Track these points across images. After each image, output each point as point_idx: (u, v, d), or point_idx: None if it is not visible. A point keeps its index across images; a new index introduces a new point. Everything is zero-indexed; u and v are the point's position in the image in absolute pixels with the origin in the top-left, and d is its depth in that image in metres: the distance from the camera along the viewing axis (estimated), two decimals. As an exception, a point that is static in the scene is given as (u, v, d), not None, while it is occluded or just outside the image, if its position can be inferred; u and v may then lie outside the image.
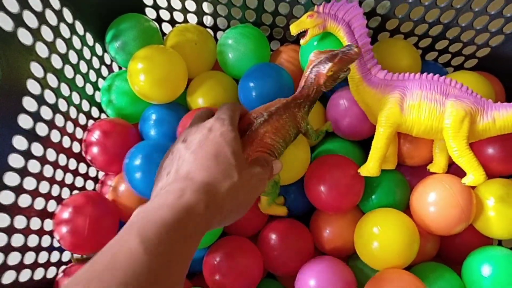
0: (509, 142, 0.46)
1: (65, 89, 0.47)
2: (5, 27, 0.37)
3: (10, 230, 0.39)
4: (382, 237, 0.43)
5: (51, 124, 0.44)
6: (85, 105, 0.52)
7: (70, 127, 0.48)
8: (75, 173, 0.50)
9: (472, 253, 0.46)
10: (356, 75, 0.45)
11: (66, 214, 0.44)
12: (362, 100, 0.46)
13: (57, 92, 0.45)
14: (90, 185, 0.53)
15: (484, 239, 0.48)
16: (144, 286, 0.22)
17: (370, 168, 0.44)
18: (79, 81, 0.50)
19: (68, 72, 0.47)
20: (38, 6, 0.42)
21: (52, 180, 0.45)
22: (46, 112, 0.43)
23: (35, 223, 0.43)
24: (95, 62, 0.53)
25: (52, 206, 0.45)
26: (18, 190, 0.40)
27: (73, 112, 0.49)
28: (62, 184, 0.47)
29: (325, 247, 0.49)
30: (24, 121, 0.40)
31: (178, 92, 0.50)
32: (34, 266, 0.42)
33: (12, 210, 0.40)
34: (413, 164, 0.50)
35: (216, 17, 0.56)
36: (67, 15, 0.47)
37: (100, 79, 0.55)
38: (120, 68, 0.58)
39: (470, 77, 0.48)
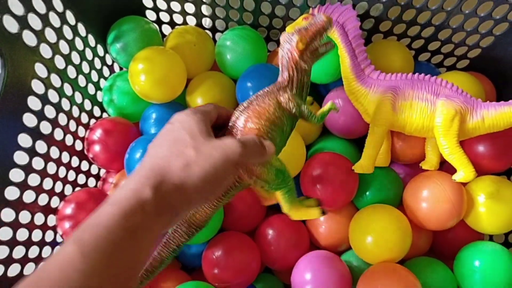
0: (499, 141, 0.47)
1: (68, 89, 0.48)
2: (10, 29, 0.39)
3: (15, 225, 0.41)
4: (376, 232, 0.44)
5: (54, 123, 0.46)
6: (87, 105, 0.53)
7: (72, 125, 0.49)
8: (78, 170, 0.51)
9: (464, 248, 0.47)
10: (350, 75, 0.46)
11: (68, 210, 0.45)
12: (356, 99, 0.47)
13: (60, 91, 0.46)
14: (92, 182, 0.55)
15: (475, 235, 0.49)
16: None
17: (364, 165, 0.46)
18: (82, 81, 0.51)
19: (71, 72, 0.49)
20: (42, 9, 0.43)
21: (55, 177, 0.46)
22: (49, 111, 0.45)
23: (39, 219, 0.44)
24: (97, 63, 0.55)
25: (55, 202, 0.47)
26: (23, 186, 0.42)
27: (75, 111, 0.50)
28: (65, 181, 0.48)
29: (321, 242, 0.50)
30: (29, 120, 0.42)
31: (178, 92, 0.52)
32: (38, 260, 0.44)
33: (17, 205, 0.41)
34: (406, 161, 0.52)
35: (215, 19, 0.57)
36: (70, 17, 0.48)
37: (101, 79, 0.56)
38: (121, 68, 0.59)
39: (461, 77, 0.50)
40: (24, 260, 0.42)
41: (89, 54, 0.52)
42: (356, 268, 0.49)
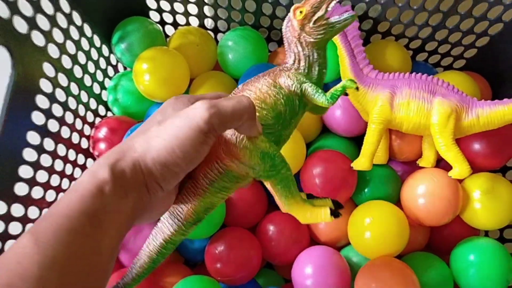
0: (494, 139, 0.48)
1: (74, 88, 0.49)
2: (20, 30, 0.40)
3: (24, 220, 0.42)
4: (374, 227, 0.46)
5: (61, 121, 0.47)
6: (93, 103, 0.54)
7: (79, 124, 0.51)
8: (83, 167, 0.52)
9: (460, 243, 0.48)
10: (349, 74, 0.47)
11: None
12: (355, 98, 0.48)
13: (67, 90, 0.48)
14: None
15: (471, 230, 0.50)
16: (37, 281, 0.19)
17: (362, 163, 0.47)
18: (87, 80, 0.52)
19: (77, 72, 0.50)
20: (50, 10, 0.44)
21: (62, 174, 0.47)
22: (57, 110, 0.46)
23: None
24: (102, 63, 0.56)
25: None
26: (31, 182, 0.43)
27: (81, 110, 0.51)
28: (71, 178, 0.49)
29: (320, 238, 0.51)
30: (37, 118, 0.43)
31: (181, 91, 0.53)
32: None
33: (26, 201, 0.42)
34: (403, 159, 0.53)
35: (217, 20, 0.58)
36: (76, 18, 0.49)
37: (106, 79, 0.57)
38: (125, 68, 0.60)
39: (457, 77, 0.51)
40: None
41: (94, 54, 0.54)
42: (355, 263, 0.50)
